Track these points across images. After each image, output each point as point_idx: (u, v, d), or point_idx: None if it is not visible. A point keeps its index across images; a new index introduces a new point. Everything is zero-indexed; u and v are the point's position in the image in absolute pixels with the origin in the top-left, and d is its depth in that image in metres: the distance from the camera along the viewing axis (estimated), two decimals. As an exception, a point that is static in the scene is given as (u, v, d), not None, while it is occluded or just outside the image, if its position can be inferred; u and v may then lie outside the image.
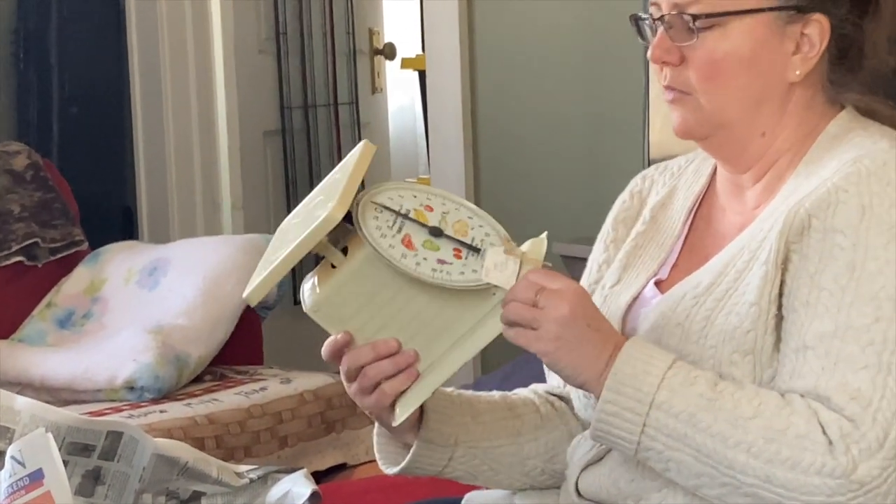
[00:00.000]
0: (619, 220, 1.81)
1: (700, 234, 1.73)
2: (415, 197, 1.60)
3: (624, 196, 1.84)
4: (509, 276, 1.55)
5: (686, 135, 1.66)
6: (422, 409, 1.70)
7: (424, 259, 1.55)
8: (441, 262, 1.55)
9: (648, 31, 1.66)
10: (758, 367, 1.54)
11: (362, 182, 1.60)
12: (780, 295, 1.54)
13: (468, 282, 1.55)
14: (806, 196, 1.55)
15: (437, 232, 1.57)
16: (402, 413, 1.59)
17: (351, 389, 1.62)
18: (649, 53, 1.64)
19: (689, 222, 1.74)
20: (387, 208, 1.58)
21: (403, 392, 1.58)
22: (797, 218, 1.54)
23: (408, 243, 1.56)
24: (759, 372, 1.54)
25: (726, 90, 1.62)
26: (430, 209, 1.59)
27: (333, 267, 1.59)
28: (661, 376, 1.51)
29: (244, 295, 1.58)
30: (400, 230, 1.57)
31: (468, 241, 1.57)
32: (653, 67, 1.67)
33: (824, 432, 1.45)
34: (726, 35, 1.60)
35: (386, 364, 1.57)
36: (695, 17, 1.59)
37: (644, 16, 1.66)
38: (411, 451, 1.71)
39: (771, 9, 1.60)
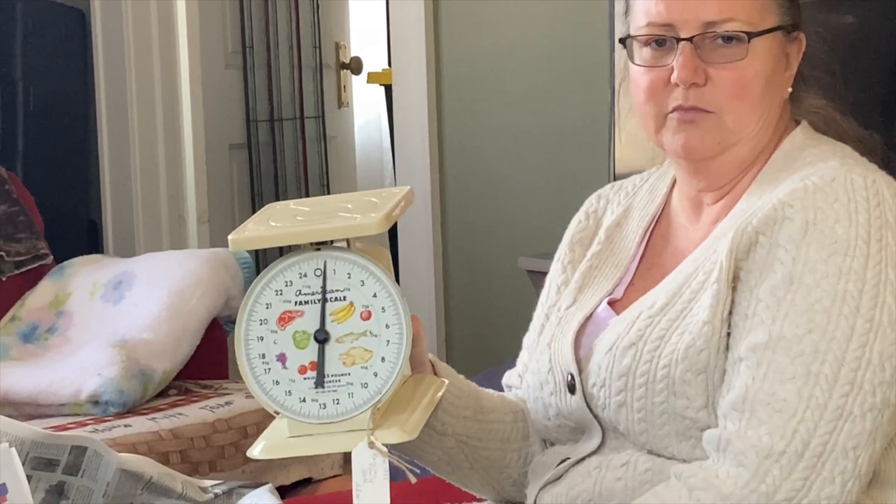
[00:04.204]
0: (576, 241, 1.81)
1: (658, 251, 1.73)
2: (388, 295, 1.43)
3: (580, 216, 1.83)
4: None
5: (698, 155, 1.63)
6: None
7: (274, 343, 1.44)
8: (281, 357, 1.45)
9: (644, 52, 1.62)
10: (710, 385, 1.54)
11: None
12: (731, 314, 1.54)
13: (270, 403, 1.47)
14: (753, 214, 1.55)
15: (322, 338, 1.45)
16: (256, 451, 1.52)
17: None
18: (675, 76, 1.59)
19: (645, 241, 1.74)
20: (325, 278, 1.43)
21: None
22: (745, 236, 1.54)
23: (286, 319, 1.45)
24: (711, 391, 1.54)
25: (751, 108, 1.61)
26: (368, 316, 1.43)
27: None
28: None
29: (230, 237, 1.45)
30: (301, 304, 1.44)
31: (332, 372, 1.44)
32: (634, 88, 1.63)
33: (738, 469, 1.46)
34: (753, 54, 1.60)
35: None
36: (728, 38, 1.59)
37: (640, 34, 1.61)
38: None
39: (781, 27, 1.62)
